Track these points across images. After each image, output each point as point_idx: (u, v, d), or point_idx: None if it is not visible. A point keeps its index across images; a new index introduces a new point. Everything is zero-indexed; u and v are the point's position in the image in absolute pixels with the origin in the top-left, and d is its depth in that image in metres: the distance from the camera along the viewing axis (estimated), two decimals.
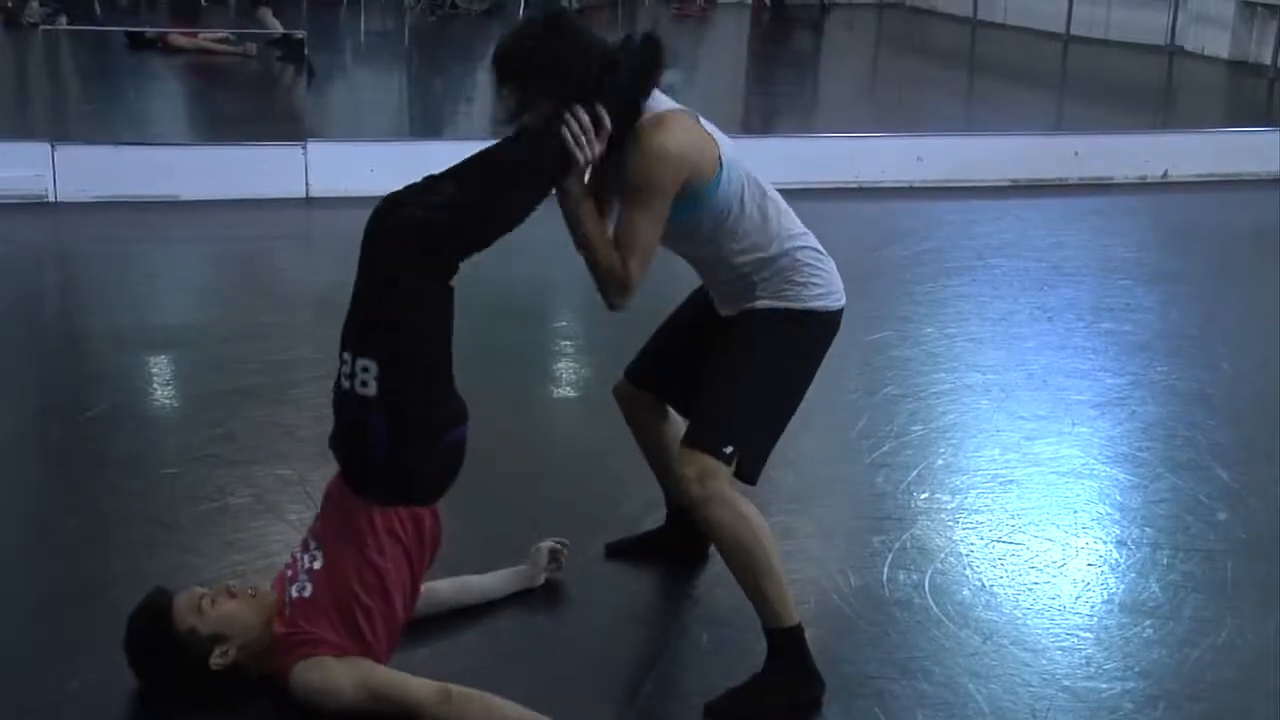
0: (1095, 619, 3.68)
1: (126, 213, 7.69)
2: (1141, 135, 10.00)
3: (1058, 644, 3.55)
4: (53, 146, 7.88)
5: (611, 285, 3.17)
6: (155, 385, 5.52)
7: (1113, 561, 4.01)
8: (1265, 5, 13.08)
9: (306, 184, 8.07)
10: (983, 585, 3.84)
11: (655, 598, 3.80)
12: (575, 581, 3.84)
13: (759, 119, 11.50)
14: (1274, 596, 3.86)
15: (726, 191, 3.20)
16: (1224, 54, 13.66)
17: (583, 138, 3.06)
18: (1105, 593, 3.83)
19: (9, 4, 13.60)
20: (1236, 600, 3.79)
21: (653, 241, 3.16)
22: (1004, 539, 4.11)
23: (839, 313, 3.37)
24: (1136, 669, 3.45)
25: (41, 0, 13.61)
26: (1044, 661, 3.47)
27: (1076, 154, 9.19)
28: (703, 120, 3.26)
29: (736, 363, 3.28)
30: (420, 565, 3.31)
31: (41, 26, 12.89)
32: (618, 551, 3.96)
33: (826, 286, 3.32)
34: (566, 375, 5.61)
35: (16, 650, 3.41)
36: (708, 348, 3.35)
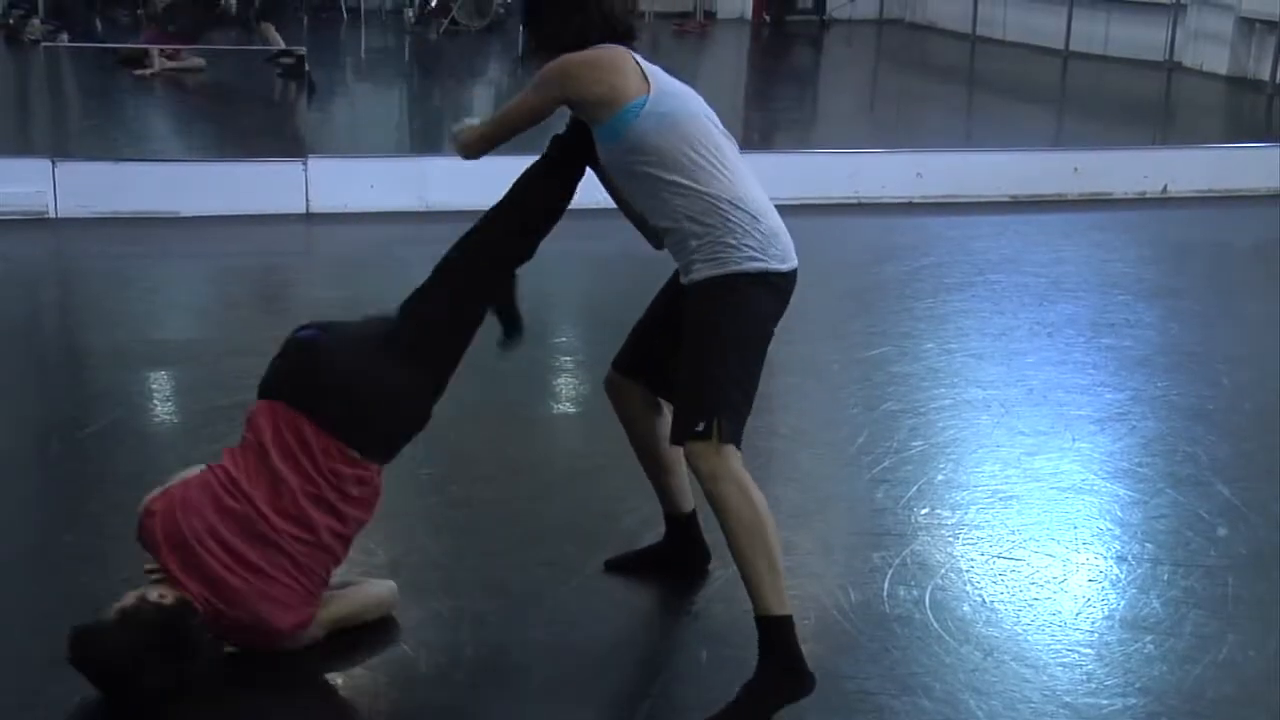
0: (1096, 635, 3.68)
1: (127, 229, 7.69)
2: (1141, 151, 10.02)
3: (1058, 660, 3.55)
4: (53, 163, 7.89)
5: (455, 137, 3.83)
6: (155, 401, 5.52)
7: (1113, 577, 4.00)
8: (1264, 21, 13.10)
9: (307, 200, 8.07)
10: (983, 601, 3.84)
11: (654, 614, 3.80)
12: (574, 597, 3.84)
13: (759, 135, 11.51)
14: (1275, 613, 3.85)
15: (644, 124, 3.38)
16: (1223, 70, 13.68)
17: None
18: (1106, 609, 3.83)
19: (10, 21, 13.63)
20: (1237, 616, 3.79)
21: (509, 119, 3.68)
22: (1004, 555, 4.11)
23: (784, 275, 3.40)
24: (1137, 685, 3.45)
25: (43, 18, 13.65)
26: (1045, 678, 3.46)
27: (1076, 170, 9.20)
28: (642, 61, 3.49)
29: (691, 347, 3.37)
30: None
31: (42, 43, 12.93)
32: (618, 567, 3.95)
33: (761, 249, 3.35)
34: (566, 391, 5.61)
35: (17, 666, 3.40)
36: (679, 324, 3.43)
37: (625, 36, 3.59)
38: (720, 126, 3.52)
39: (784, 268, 3.40)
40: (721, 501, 3.28)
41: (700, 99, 3.56)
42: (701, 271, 3.36)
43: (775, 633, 3.28)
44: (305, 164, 8.16)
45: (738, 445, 3.32)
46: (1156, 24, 14.22)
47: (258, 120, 11.05)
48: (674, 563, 3.92)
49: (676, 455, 3.60)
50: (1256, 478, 4.71)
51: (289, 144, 9.82)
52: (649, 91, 3.42)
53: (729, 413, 3.30)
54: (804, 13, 18.02)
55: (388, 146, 10.40)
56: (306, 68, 11.40)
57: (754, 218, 3.37)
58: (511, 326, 3.83)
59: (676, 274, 3.54)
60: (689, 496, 3.83)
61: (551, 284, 6.22)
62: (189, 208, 7.92)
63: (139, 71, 11.83)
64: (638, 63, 3.50)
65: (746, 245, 3.34)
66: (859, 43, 17.55)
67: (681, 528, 3.90)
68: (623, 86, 3.42)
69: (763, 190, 3.47)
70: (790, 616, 3.29)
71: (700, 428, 3.27)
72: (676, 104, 3.45)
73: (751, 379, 3.38)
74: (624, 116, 3.40)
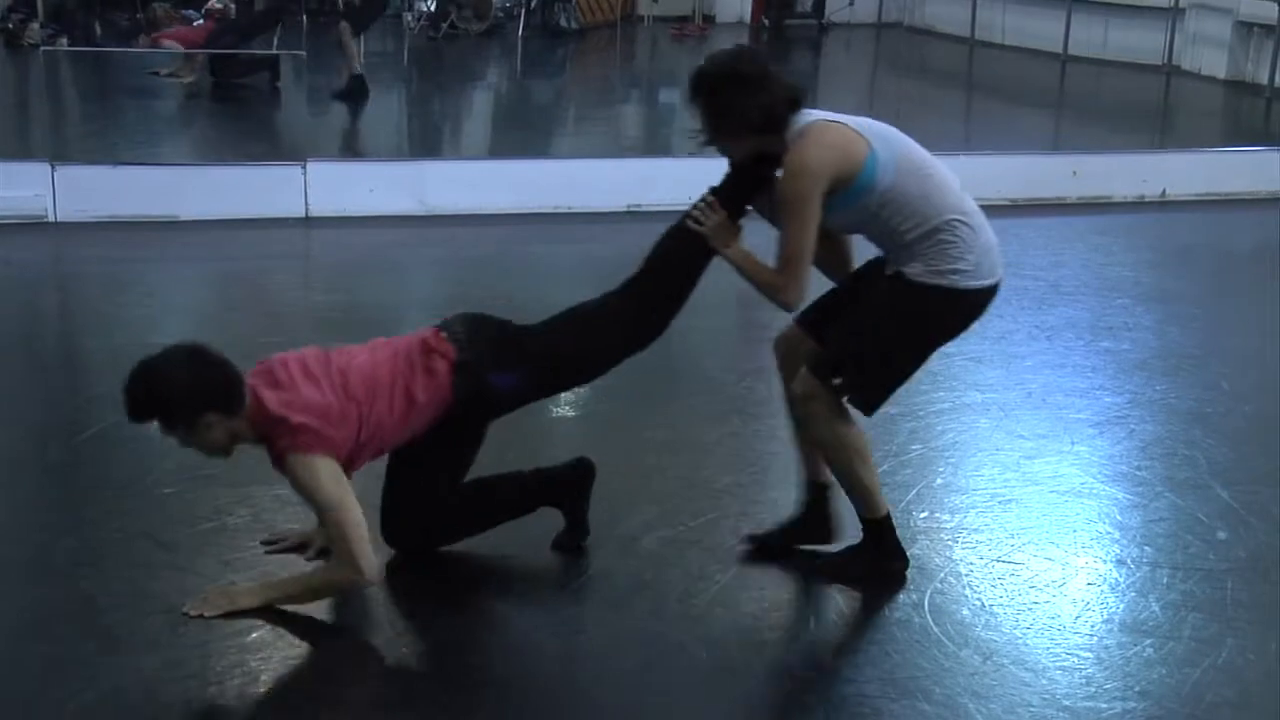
0: (1095, 638, 3.68)
1: (126, 233, 7.69)
2: (1139, 154, 10.03)
3: (1058, 664, 3.55)
4: (52, 167, 7.88)
5: (772, 297, 3.71)
6: None
7: (1112, 581, 4.00)
8: (1261, 25, 13.11)
9: (306, 203, 8.07)
10: (982, 605, 3.84)
11: (655, 617, 3.79)
12: (575, 601, 3.84)
13: None
14: (1275, 616, 3.85)
15: (876, 184, 3.59)
16: (1221, 74, 13.69)
17: (702, 219, 3.76)
18: (1105, 612, 3.82)
19: (10, 25, 13.64)
20: (1237, 620, 3.79)
21: (804, 248, 3.60)
22: (1003, 558, 4.11)
23: (986, 290, 3.72)
24: (1137, 689, 3.45)
25: (42, 22, 13.65)
26: (1044, 681, 3.46)
27: (1075, 173, 9.20)
28: (850, 121, 3.65)
29: (875, 316, 3.70)
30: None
31: (42, 47, 12.93)
32: (762, 545, 4.05)
33: (975, 266, 3.64)
34: (566, 395, 5.60)
35: (15, 670, 3.40)
36: (865, 293, 3.77)
37: (799, 104, 3.67)
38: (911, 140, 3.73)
39: (989, 283, 3.70)
40: (817, 440, 3.77)
41: (881, 122, 3.72)
42: (916, 269, 3.63)
43: (876, 528, 3.82)
44: (304, 167, 8.16)
45: (868, 413, 3.77)
46: (1155, 28, 14.23)
47: (257, 124, 11.06)
48: (805, 534, 4.04)
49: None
50: (1255, 481, 4.71)
51: (288, 147, 9.82)
52: (870, 146, 3.60)
53: (864, 391, 3.72)
54: (802, 16, 18.04)
55: (387, 150, 10.41)
56: (279, 75, 11.44)
57: (974, 231, 3.66)
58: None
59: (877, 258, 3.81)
60: (828, 472, 3.99)
61: (551, 287, 6.21)
62: (188, 211, 7.91)
63: (175, 77, 11.85)
64: (839, 122, 3.62)
65: (965, 258, 3.63)
66: (858, 46, 17.57)
67: (818, 496, 4.04)
68: (854, 154, 3.58)
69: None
70: (889, 516, 3.85)
71: (836, 382, 3.67)
72: (889, 143, 3.65)
73: (904, 377, 3.79)
74: (863, 180, 3.58)
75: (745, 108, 3.59)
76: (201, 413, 3.48)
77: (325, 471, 3.52)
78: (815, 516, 4.05)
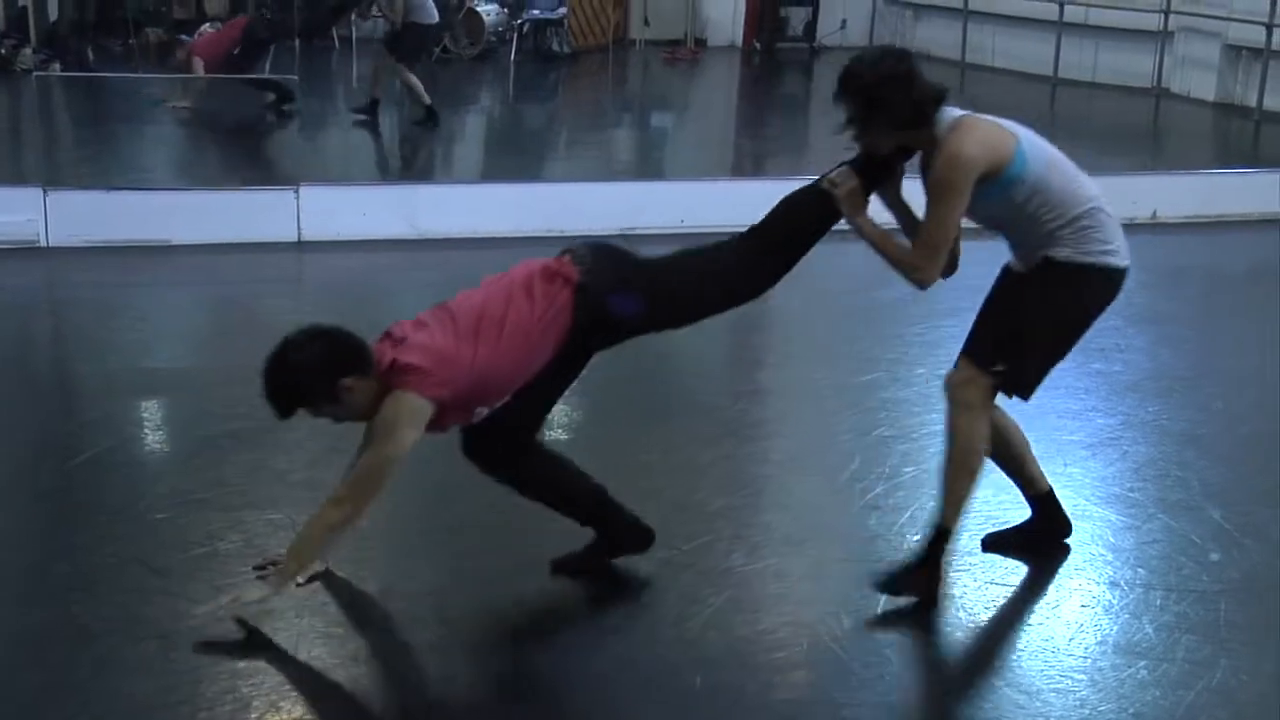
0: (1089, 661, 3.68)
1: (118, 258, 7.69)
2: (1130, 176, 10.03)
3: (1051, 686, 3.54)
4: (45, 192, 7.88)
5: (908, 275, 3.83)
6: (146, 430, 5.51)
7: (1106, 603, 4.00)
8: (1250, 48, 13.18)
9: (299, 228, 8.07)
10: (977, 628, 3.83)
11: (648, 640, 3.79)
12: (564, 624, 3.84)
13: (750, 161, 11.55)
14: (1268, 638, 3.85)
15: (1025, 176, 3.74)
16: (1210, 96, 13.75)
17: (838, 181, 3.86)
18: (1099, 634, 3.82)
19: (2, 51, 13.65)
20: (1231, 642, 3.78)
21: (948, 233, 3.77)
22: (997, 580, 4.10)
23: (1124, 271, 3.88)
24: (1131, 711, 3.44)
25: (35, 47, 13.66)
26: (1038, 704, 3.45)
27: None
28: (993, 118, 3.82)
29: (1029, 300, 3.86)
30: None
31: (34, 73, 12.94)
32: (994, 545, 4.22)
33: (1115, 244, 3.84)
34: (558, 418, 5.59)
35: (7, 696, 3.39)
36: (998, 298, 3.98)
37: (944, 100, 3.78)
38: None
39: (1127, 264, 3.88)
40: (955, 427, 3.89)
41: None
42: (1064, 253, 3.79)
43: (938, 536, 3.91)
44: (297, 192, 8.16)
45: (1026, 399, 3.96)
46: (1144, 51, 14.30)
47: (250, 148, 11.07)
48: (1042, 538, 4.22)
49: (1024, 444, 4.14)
50: (1248, 502, 4.72)
51: (281, 172, 9.83)
52: (1018, 141, 3.76)
53: (1023, 375, 3.88)
54: (794, 40, 18.10)
55: (379, 174, 10.42)
56: (293, 99, 11.44)
57: (1111, 217, 3.86)
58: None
59: (1002, 274, 3.98)
60: (1044, 477, 4.22)
61: None
62: (180, 236, 7.91)
63: (178, 104, 11.85)
64: (986, 118, 3.78)
65: (1111, 241, 3.83)
66: None
67: (1045, 505, 4.22)
68: (1005, 147, 3.74)
69: None
70: (950, 530, 3.92)
71: (999, 369, 3.83)
72: (1031, 139, 3.81)
73: (1059, 357, 3.93)
74: (1011, 172, 3.73)
75: (896, 104, 3.69)
76: (338, 380, 3.56)
77: (411, 412, 3.57)
78: (1050, 518, 4.24)
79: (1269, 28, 12.46)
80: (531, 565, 4.06)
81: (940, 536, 3.93)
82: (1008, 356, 3.87)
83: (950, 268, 3.97)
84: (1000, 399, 3.98)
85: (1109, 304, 3.95)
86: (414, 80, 11.29)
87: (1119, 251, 3.87)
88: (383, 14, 11.90)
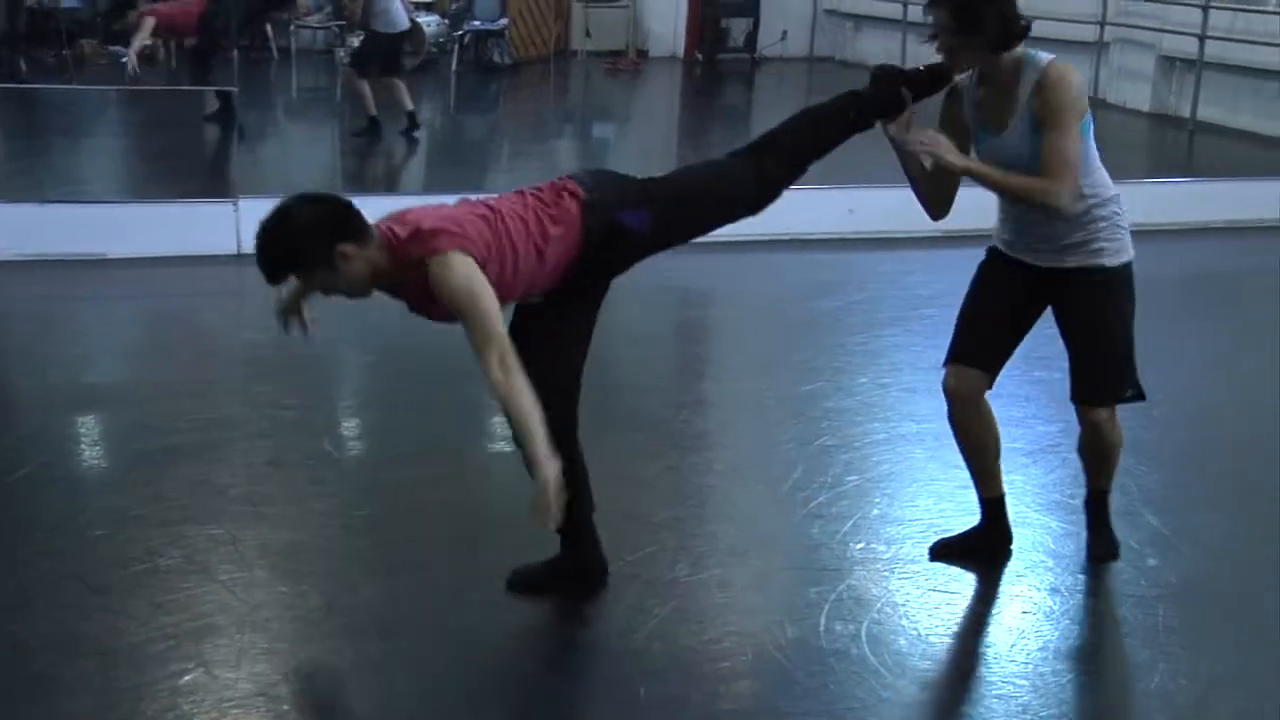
0: (1031, 666, 3.70)
1: (55, 271, 7.60)
2: None
3: (994, 692, 3.57)
4: None
5: (1045, 199, 3.84)
6: (84, 446, 5.44)
7: (1047, 609, 4.04)
8: (1183, 60, 13.36)
9: (238, 240, 7.99)
10: (919, 635, 3.86)
11: (593, 651, 3.79)
12: (512, 638, 3.82)
13: None
14: (1205, 641, 3.90)
15: (1091, 131, 3.89)
16: (1145, 107, 13.92)
17: (931, 145, 3.88)
18: (1040, 640, 3.85)
19: None
20: (1169, 646, 3.83)
21: (1077, 154, 3.82)
22: (939, 588, 4.13)
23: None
24: (1072, 715, 3.47)
25: None
26: (981, 710, 3.48)
27: None
28: None
29: (1103, 322, 4.02)
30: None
31: None
32: (943, 553, 4.27)
33: (1130, 236, 4.02)
34: (502, 429, 5.58)
35: None
36: (1021, 306, 4.13)
37: (1028, 32, 3.86)
38: None
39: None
40: (1111, 434, 4.17)
41: None
42: (1103, 256, 3.94)
43: (1097, 500, 4.29)
44: (236, 204, 8.10)
45: (1144, 397, 4.12)
46: (1081, 62, 14.42)
47: (188, 160, 10.97)
48: (986, 544, 4.28)
49: (999, 444, 4.26)
50: (1185, 508, 4.78)
51: (220, 184, 9.75)
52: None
53: (1137, 382, 4.08)
54: (735, 50, 18.17)
55: (320, 186, 10.35)
56: (235, 106, 11.32)
57: (1122, 209, 4.03)
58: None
59: (996, 264, 4.16)
60: (1002, 482, 4.31)
61: None
62: (118, 250, 7.83)
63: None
64: None
65: (1128, 234, 4.01)
66: (790, 80, 17.70)
67: (995, 510, 4.29)
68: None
69: None
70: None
71: (1129, 394, 4.04)
72: None
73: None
74: (1087, 123, 3.87)
75: (990, 18, 3.77)
76: (333, 245, 3.48)
77: (464, 266, 3.48)
78: (997, 526, 4.31)
79: (1201, 39, 12.65)
80: (473, 578, 4.04)
81: (1101, 496, 4.34)
82: (1127, 382, 4.09)
83: (945, 206, 4.17)
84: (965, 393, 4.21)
85: None
86: (365, 90, 11.22)
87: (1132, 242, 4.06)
88: (346, 15, 11.74)
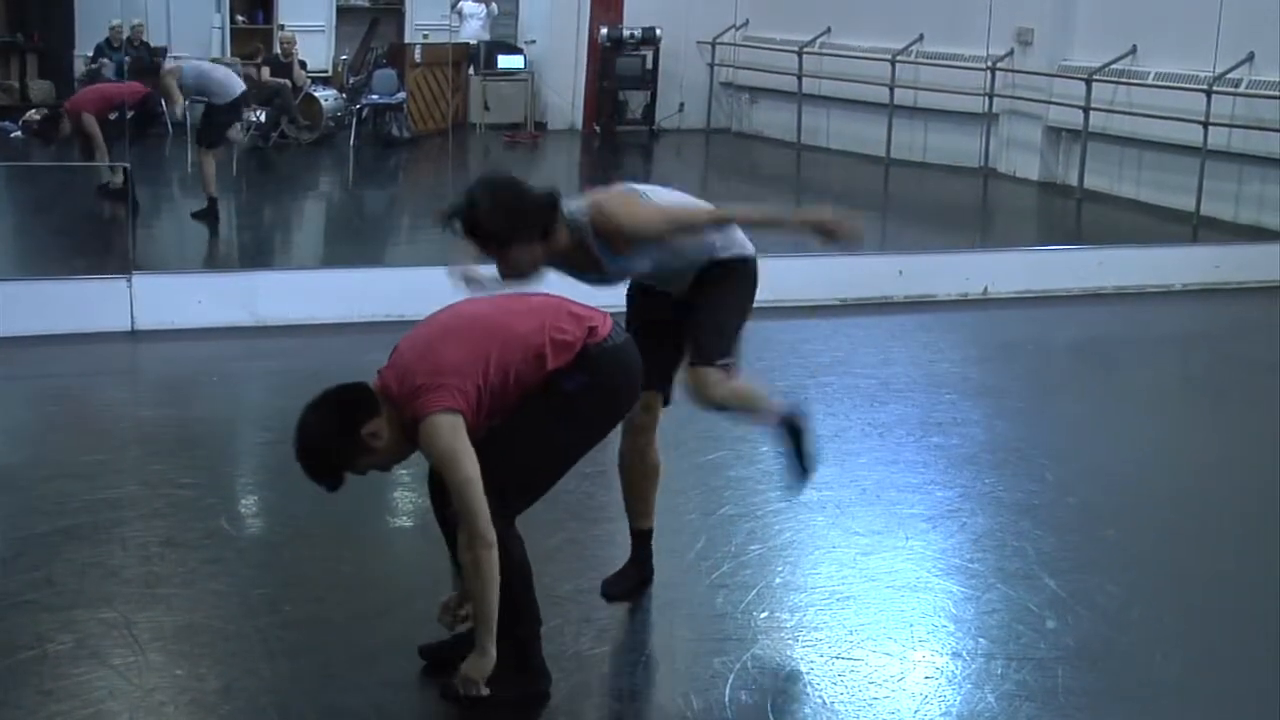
0: None
1: None
2: (962, 254, 10.34)
3: None
4: None
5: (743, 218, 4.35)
6: None
7: (949, 673, 4.06)
8: (1069, 130, 13.70)
9: (132, 317, 7.89)
10: (824, 703, 3.86)
11: None
12: (409, 716, 3.77)
13: None
14: (1102, 703, 3.95)
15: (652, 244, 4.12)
16: (1034, 176, 14.24)
17: None
18: (943, 705, 3.88)
19: None
20: (1068, 708, 3.87)
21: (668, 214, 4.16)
22: (843, 655, 4.14)
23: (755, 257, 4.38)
24: None
25: None
26: None
27: (900, 273, 9.45)
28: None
29: (716, 300, 4.28)
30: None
31: None
32: (614, 592, 4.45)
33: (746, 242, 4.37)
34: (401, 505, 5.53)
35: None
36: (672, 324, 4.30)
37: (551, 205, 4.06)
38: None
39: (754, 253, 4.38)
40: (726, 403, 4.30)
41: None
42: (725, 253, 4.26)
43: (786, 426, 4.47)
44: (130, 281, 7.99)
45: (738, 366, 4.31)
46: (971, 133, 14.77)
47: (79, 237, 10.80)
48: (637, 577, 4.51)
49: (657, 482, 4.51)
50: (1081, 570, 4.84)
51: (112, 260, 9.60)
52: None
53: (737, 353, 4.29)
54: (633, 122, 18.32)
55: (216, 261, 10.25)
56: (130, 183, 11.17)
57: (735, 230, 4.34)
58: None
59: (639, 298, 4.40)
60: (652, 516, 4.52)
61: None
62: (7, 328, 7.66)
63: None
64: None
65: (743, 240, 4.33)
66: (688, 152, 17.89)
67: (644, 542, 4.52)
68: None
69: None
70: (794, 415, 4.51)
71: (724, 362, 4.22)
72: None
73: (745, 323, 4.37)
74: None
75: (510, 223, 3.99)
76: (358, 433, 3.58)
77: (448, 432, 3.57)
78: (643, 558, 4.54)
79: (1086, 111, 12.99)
80: (375, 657, 3.98)
81: (787, 421, 4.48)
82: (725, 351, 4.27)
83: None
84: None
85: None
86: (211, 173, 10.98)
87: (749, 245, 4.37)
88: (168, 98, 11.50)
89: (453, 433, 3.54)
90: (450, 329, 3.74)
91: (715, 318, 4.30)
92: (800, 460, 4.52)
